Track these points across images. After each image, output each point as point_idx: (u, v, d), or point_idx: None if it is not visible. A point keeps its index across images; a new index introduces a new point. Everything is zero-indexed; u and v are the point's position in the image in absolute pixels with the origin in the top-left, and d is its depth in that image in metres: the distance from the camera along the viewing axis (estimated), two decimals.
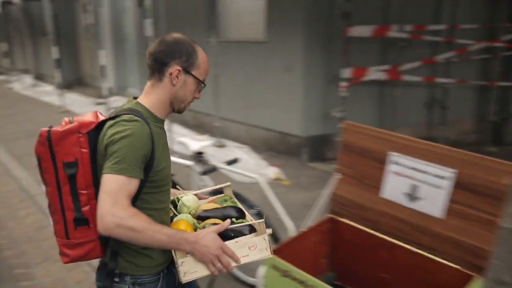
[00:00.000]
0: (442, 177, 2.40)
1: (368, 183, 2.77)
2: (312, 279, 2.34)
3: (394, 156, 2.57)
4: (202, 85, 1.71)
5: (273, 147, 6.67)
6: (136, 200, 1.60)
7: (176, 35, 1.68)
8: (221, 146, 6.97)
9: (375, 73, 5.75)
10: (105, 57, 8.47)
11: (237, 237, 1.67)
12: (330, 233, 3.01)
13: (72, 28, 13.71)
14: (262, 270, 2.61)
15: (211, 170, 3.18)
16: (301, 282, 2.39)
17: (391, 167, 2.61)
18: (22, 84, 15.66)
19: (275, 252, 2.55)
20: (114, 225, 1.46)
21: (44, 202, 5.21)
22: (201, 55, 1.67)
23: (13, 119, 10.18)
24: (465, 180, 2.32)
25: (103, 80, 8.80)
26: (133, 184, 1.53)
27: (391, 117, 6.14)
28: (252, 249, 1.67)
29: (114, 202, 1.47)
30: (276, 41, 6.16)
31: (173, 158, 3.69)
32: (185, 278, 1.58)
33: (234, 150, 6.73)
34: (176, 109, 1.72)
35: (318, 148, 6.17)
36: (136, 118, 1.57)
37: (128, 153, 1.51)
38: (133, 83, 11.26)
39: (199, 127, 8.11)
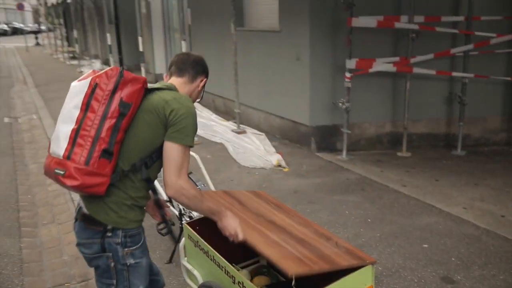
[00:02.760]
0: None
1: None
2: (212, 250, 2.53)
3: None
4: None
5: (287, 135, 6.81)
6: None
7: (198, 54, 2.27)
8: (241, 132, 7.22)
9: (382, 65, 5.67)
10: (141, 44, 8.99)
11: None
12: None
13: (134, 16, 14.55)
14: (182, 240, 2.85)
15: None
16: (206, 252, 2.60)
17: None
18: (91, 68, 16.93)
19: (192, 224, 2.79)
20: (180, 194, 1.89)
21: None
22: None
23: None
24: None
25: (145, 64, 9.34)
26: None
27: (404, 110, 6.02)
28: None
29: (179, 174, 1.87)
30: (287, 30, 6.26)
31: None
32: None
33: (251, 136, 6.95)
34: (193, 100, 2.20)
35: (327, 138, 6.22)
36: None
37: (193, 127, 1.94)
38: None
39: (228, 114, 8.42)
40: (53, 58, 21.99)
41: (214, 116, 8.44)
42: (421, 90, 6.08)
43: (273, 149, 6.32)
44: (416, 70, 5.72)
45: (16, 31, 56.84)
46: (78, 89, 1.89)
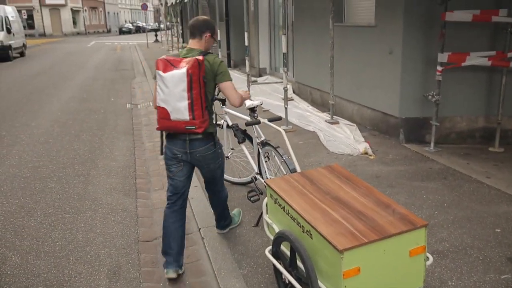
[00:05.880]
0: None
1: None
2: (287, 204, 3.01)
3: None
4: (216, 42, 3.57)
5: (377, 127, 7.04)
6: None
7: (204, 17, 3.38)
8: (334, 123, 7.59)
9: (476, 59, 5.67)
10: (247, 39, 9.69)
11: None
12: None
13: (242, 14, 15.42)
14: (265, 199, 3.36)
15: (255, 123, 4.02)
16: (282, 207, 3.09)
17: None
18: None
19: (270, 182, 3.28)
20: (242, 103, 3.37)
21: None
22: (216, 28, 3.52)
23: None
24: None
25: (249, 58, 10.04)
26: None
27: (499, 105, 5.95)
28: None
29: (238, 95, 3.31)
30: (382, 25, 6.47)
31: (234, 112, 4.60)
32: None
33: (343, 126, 7.29)
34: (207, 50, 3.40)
35: (416, 130, 6.35)
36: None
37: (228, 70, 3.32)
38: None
39: (324, 105, 8.81)
40: (169, 54, 23.91)
41: (310, 108, 8.88)
42: None
43: (362, 139, 6.61)
44: None
45: (139, 29, 62.20)
46: (178, 77, 3.03)
